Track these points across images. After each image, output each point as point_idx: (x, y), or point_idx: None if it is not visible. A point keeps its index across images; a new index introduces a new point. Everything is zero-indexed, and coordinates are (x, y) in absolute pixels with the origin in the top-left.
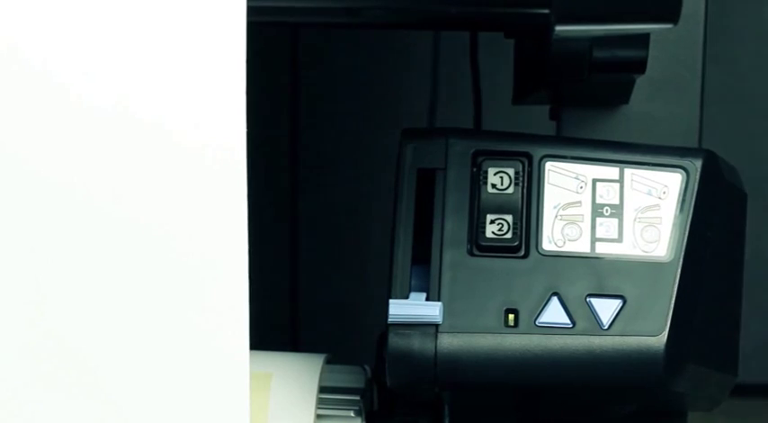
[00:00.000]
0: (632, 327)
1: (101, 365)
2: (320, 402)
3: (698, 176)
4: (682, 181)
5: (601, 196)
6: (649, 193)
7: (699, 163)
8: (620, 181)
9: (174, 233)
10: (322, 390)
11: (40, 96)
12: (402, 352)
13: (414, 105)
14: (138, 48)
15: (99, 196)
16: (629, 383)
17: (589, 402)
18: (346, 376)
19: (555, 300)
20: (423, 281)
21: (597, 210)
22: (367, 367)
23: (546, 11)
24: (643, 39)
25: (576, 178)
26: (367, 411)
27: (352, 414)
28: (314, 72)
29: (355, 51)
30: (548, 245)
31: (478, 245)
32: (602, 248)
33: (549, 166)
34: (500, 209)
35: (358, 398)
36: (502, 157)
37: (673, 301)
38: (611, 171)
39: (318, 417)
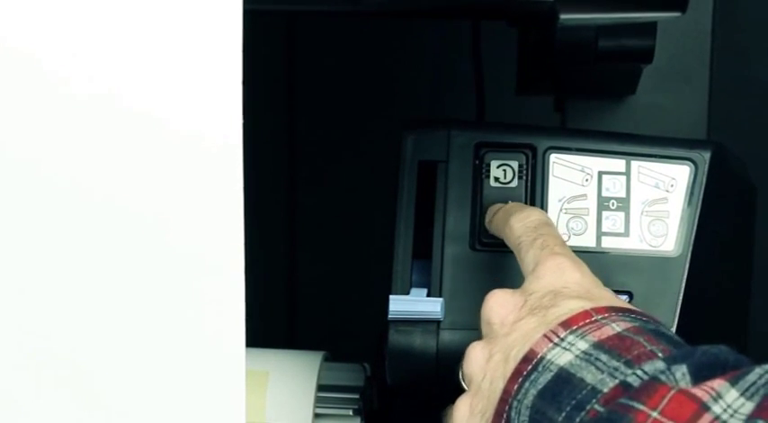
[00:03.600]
0: None
1: (96, 363)
2: (318, 401)
3: (706, 169)
4: (690, 173)
5: (607, 189)
6: (656, 186)
7: (707, 155)
8: (627, 173)
9: (169, 229)
10: (320, 388)
11: (33, 89)
12: (403, 349)
13: (414, 97)
14: (132, 40)
15: (93, 193)
16: None
17: None
18: (345, 374)
19: None
20: (424, 276)
21: (603, 203)
22: (366, 365)
23: None
24: (650, 27)
25: (582, 171)
26: (367, 410)
27: (350, 413)
28: (311, 65)
29: (354, 43)
30: None
31: (481, 240)
32: (608, 243)
33: (554, 158)
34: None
35: (357, 396)
36: (505, 150)
37: (680, 297)
38: (618, 163)
39: (317, 416)
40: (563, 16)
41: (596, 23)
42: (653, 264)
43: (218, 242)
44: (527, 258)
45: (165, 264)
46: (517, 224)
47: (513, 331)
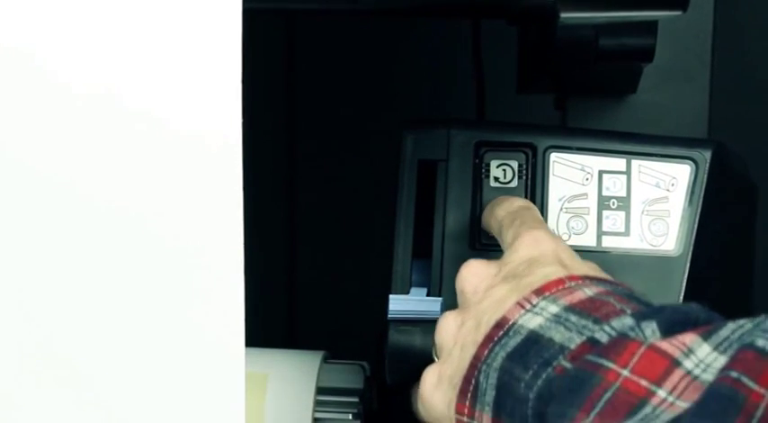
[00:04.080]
0: None
1: (96, 363)
2: (318, 404)
3: (707, 168)
4: (690, 172)
5: (607, 188)
6: (657, 185)
7: (708, 154)
8: (628, 172)
9: (169, 229)
10: (320, 391)
11: (32, 89)
12: (402, 349)
13: (414, 97)
14: (131, 40)
15: (93, 193)
16: None
17: None
18: (345, 376)
19: None
20: (424, 275)
21: (603, 202)
22: (365, 364)
23: None
24: (651, 26)
25: (582, 170)
26: (366, 410)
27: (350, 417)
28: (311, 65)
29: (354, 43)
30: None
31: (480, 240)
32: (608, 242)
33: (554, 157)
34: None
35: (356, 399)
36: (505, 149)
37: (681, 297)
38: (618, 162)
39: (316, 420)
40: (563, 15)
41: (597, 22)
42: (653, 263)
43: (217, 242)
44: (507, 236)
45: (165, 263)
46: (500, 210)
47: (485, 298)
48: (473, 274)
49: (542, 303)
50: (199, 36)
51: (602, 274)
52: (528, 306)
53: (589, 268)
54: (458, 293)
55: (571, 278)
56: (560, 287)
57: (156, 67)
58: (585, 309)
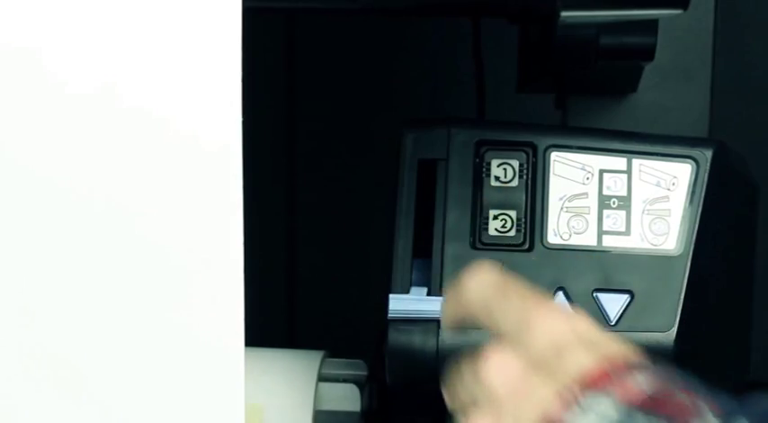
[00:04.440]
0: (640, 322)
1: (95, 364)
2: None
3: (708, 167)
4: (691, 172)
5: (608, 188)
6: (658, 185)
7: (709, 153)
8: (628, 172)
9: (168, 229)
10: (317, 415)
11: (31, 88)
12: (402, 348)
13: (414, 96)
14: (131, 39)
15: (93, 192)
16: None
17: None
18: (342, 399)
19: (560, 294)
20: (424, 275)
21: (604, 202)
22: (363, 362)
23: None
24: (651, 25)
25: (583, 169)
26: (365, 410)
27: None
28: (311, 65)
29: (354, 42)
30: (553, 238)
31: (481, 239)
32: (609, 242)
33: (555, 156)
34: (503, 204)
35: None
36: (506, 148)
37: (682, 296)
38: (619, 161)
39: None
40: (564, 13)
41: (597, 21)
42: (654, 262)
43: (217, 242)
44: (508, 314)
45: (164, 263)
46: (474, 285)
47: (519, 395)
48: (500, 372)
49: (591, 400)
50: (199, 35)
51: (631, 351)
52: (574, 403)
53: (612, 337)
54: (481, 388)
55: (612, 365)
56: (605, 378)
57: (156, 66)
58: (650, 407)
